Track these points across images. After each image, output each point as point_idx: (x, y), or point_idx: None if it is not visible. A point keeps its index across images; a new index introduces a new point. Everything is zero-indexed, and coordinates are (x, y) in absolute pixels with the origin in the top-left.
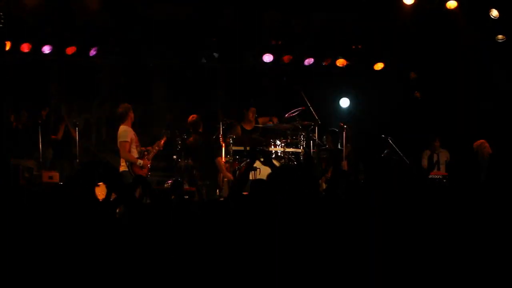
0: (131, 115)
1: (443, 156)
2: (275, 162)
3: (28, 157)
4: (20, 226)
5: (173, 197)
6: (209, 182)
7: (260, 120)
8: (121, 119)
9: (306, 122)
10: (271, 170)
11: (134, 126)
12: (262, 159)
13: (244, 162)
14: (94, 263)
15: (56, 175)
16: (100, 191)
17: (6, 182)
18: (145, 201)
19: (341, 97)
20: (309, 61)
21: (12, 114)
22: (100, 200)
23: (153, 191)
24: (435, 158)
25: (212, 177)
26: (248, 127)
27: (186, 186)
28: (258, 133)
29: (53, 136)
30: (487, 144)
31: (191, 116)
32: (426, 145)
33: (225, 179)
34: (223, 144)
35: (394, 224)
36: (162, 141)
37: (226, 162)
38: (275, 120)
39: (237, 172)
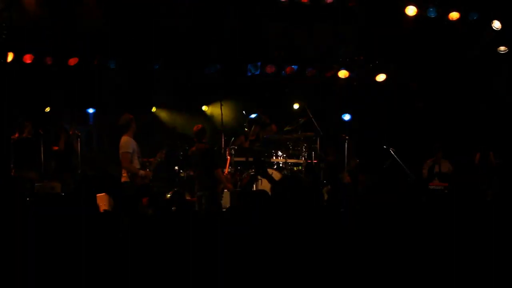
0: (133, 125)
1: (445, 167)
2: (276, 173)
3: (30, 168)
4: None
5: (173, 208)
6: (208, 192)
7: (262, 133)
8: (123, 130)
9: (308, 133)
10: (268, 181)
11: (135, 136)
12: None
13: (246, 173)
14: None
15: (57, 186)
16: (101, 201)
17: (8, 194)
18: (147, 212)
19: (343, 108)
20: (311, 72)
21: (16, 126)
22: (101, 210)
23: (158, 202)
24: (436, 169)
25: (211, 187)
26: (251, 137)
27: (187, 197)
28: (259, 144)
29: (54, 148)
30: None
31: (196, 126)
32: (428, 156)
33: (225, 189)
34: (228, 157)
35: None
36: (163, 152)
37: (228, 173)
38: (274, 128)
39: (239, 183)
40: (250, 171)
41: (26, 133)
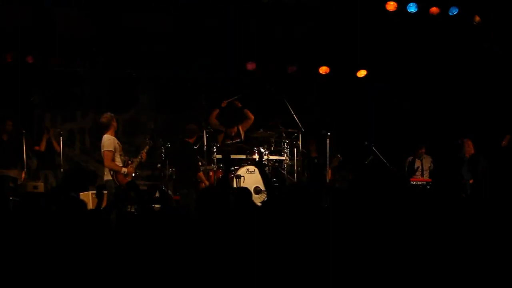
0: (114, 124)
1: (426, 162)
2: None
3: (13, 167)
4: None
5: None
6: (186, 190)
7: (242, 127)
8: (104, 128)
9: (290, 130)
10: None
11: (117, 135)
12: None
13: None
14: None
15: (41, 185)
16: (85, 198)
17: None
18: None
19: (325, 105)
20: (292, 69)
21: None
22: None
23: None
24: (417, 164)
25: (190, 185)
26: (229, 133)
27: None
28: (240, 138)
29: (36, 148)
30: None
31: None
32: (410, 152)
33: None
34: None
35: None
36: (145, 150)
37: (210, 170)
38: (250, 115)
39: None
40: (233, 168)
41: (8, 131)
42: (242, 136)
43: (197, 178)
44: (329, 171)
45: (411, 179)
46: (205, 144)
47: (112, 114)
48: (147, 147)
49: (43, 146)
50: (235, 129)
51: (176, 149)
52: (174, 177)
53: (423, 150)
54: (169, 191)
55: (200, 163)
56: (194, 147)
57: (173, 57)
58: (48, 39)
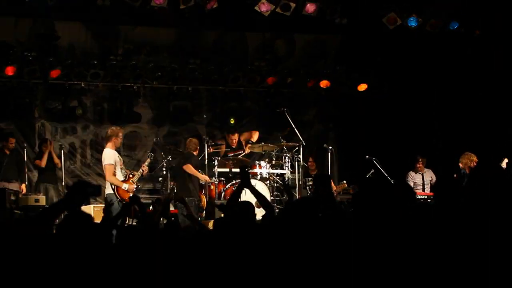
0: (118, 138)
1: (427, 176)
2: (261, 184)
3: (14, 180)
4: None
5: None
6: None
7: (242, 137)
8: (107, 141)
9: (291, 144)
10: (251, 191)
11: (118, 149)
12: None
13: (230, 184)
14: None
15: (42, 198)
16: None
17: None
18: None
19: (325, 118)
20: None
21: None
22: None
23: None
24: (416, 179)
25: (190, 195)
26: (232, 144)
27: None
28: (242, 152)
29: (36, 162)
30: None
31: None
32: (411, 166)
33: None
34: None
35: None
36: (146, 163)
37: (211, 183)
38: (255, 134)
39: (222, 193)
40: (234, 182)
41: (11, 147)
42: (244, 148)
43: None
44: (333, 185)
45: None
46: (206, 157)
47: (120, 129)
48: (149, 160)
49: (44, 162)
50: (236, 137)
51: (177, 162)
52: (175, 190)
53: (421, 164)
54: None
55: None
56: (197, 159)
57: (174, 69)
58: (48, 51)
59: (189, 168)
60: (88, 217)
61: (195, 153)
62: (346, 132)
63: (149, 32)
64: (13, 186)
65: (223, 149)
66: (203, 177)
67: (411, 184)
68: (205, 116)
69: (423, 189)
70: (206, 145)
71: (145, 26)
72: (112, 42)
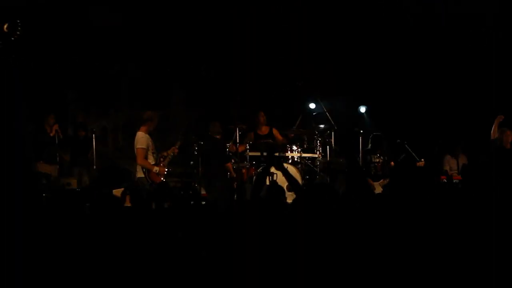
0: (153, 123)
1: (462, 160)
2: (292, 168)
3: (48, 163)
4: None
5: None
6: (218, 184)
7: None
8: (141, 125)
9: (322, 127)
10: (283, 174)
11: (151, 133)
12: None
13: (261, 168)
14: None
15: (74, 182)
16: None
17: (28, 188)
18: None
19: (358, 102)
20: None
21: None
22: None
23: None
24: (452, 163)
25: (221, 180)
26: (261, 132)
27: (203, 192)
28: (272, 138)
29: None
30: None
31: (212, 122)
32: (446, 150)
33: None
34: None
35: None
36: (177, 146)
37: (242, 167)
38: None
39: (254, 177)
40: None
41: (50, 125)
42: (277, 138)
43: (225, 170)
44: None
45: (442, 177)
46: (237, 141)
47: (155, 112)
48: (179, 142)
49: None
50: (267, 129)
51: (208, 146)
52: (205, 173)
53: (460, 148)
54: (202, 188)
55: (232, 160)
56: (227, 143)
57: (207, 52)
58: (82, 34)
59: (229, 167)
60: (119, 200)
61: (218, 137)
62: (378, 116)
63: (183, 14)
64: (50, 169)
65: (251, 136)
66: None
67: (447, 167)
68: (238, 98)
69: (459, 173)
70: (237, 129)
71: (181, 8)
72: (146, 24)
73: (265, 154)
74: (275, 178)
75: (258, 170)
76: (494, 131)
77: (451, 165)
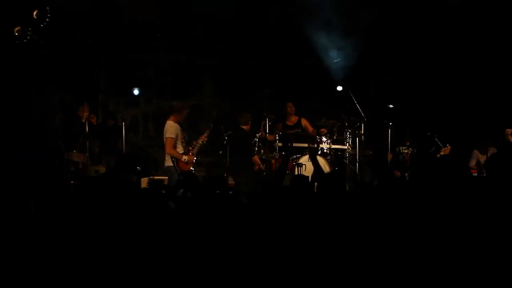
0: (182, 114)
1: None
2: (321, 159)
3: (77, 151)
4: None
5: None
6: (246, 175)
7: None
8: (170, 114)
9: (352, 119)
10: (314, 166)
11: (181, 123)
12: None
13: (290, 158)
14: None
15: (102, 169)
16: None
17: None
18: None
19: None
20: None
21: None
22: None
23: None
24: (480, 158)
25: (247, 170)
26: (290, 123)
27: (231, 181)
28: (300, 128)
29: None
30: None
31: (240, 113)
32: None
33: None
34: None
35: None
36: (205, 135)
37: (272, 158)
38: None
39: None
40: (295, 156)
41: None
42: (307, 128)
43: (252, 162)
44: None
45: (472, 170)
46: (266, 132)
47: (185, 104)
48: (208, 131)
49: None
50: (296, 119)
51: (234, 136)
52: (231, 163)
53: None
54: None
55: (262, 151)
56: (257, 135)
57: (236, 43)
58: (112, 24)
59: (255, 160)
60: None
61: (245, 128)
62: (409, 108)
63: (214, 3)
64: (75, 157)
65: (280, 126)
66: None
67: (474, 162)
68: (267, 90)
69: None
70: (267, 120)
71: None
72: (176, 13)
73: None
74: (303, 169)
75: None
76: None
77: (480, 159)
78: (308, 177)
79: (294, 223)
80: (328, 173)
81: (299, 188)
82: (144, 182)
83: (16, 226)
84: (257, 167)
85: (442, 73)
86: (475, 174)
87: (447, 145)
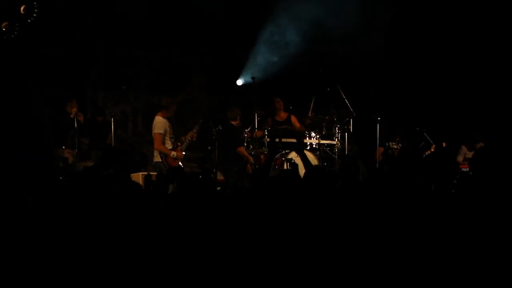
0: (171, 110)
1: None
2: (310, 154)
3: (65, 147)
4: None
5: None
6: (235, 169)
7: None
8: (159, 110)
9: (341, 114)
10: (302, 161)
11: (170, 118)
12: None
13: (279, 154)
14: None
15: (91, 166)
16: (135, 179)
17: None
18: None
19: (375, 87)
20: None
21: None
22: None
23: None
24: (468, 154)
25: (236, 165)
26: (279, 118)
27: (220, 177)
28: (290, 124)
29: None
30: None
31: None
32: (465, 139)
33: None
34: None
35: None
36: (194, 131)
37: (261, 153)
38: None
39: (272, 163)
40: (284, 152)
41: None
42: (295, 125)
43: (238, 155)
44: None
45: (461, 166)
46: (256, 127)
47: (173, 99)
48: (197, 127)
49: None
50: (285, 115)
51: (224, 131)
52: (220, 158)
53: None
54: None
55: (251, 146)
56: (245, 130)
57: (226, 38)
58: (102, 20)
59: (241, 152)
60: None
61: (234, 123)
62: (396, 103)
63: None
64: (71, 153)
65: (269, 122)
66: (251, 160)
67: (461, 158)
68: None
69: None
70: (256, 115)
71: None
72: (166, 10)
73: (268, 140)
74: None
75: (277, 156)
76: None
77: (468, 156)
78: (297, 171)
79: (282, 216)
80: (316, 166)
81: (287, 180)
82: (135, 177)
83: (13, 221)
84: (245, 159)
85: (432, 69)
86: (466, 170)
87: (433, 145)
